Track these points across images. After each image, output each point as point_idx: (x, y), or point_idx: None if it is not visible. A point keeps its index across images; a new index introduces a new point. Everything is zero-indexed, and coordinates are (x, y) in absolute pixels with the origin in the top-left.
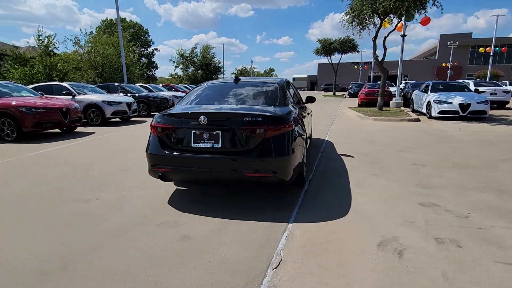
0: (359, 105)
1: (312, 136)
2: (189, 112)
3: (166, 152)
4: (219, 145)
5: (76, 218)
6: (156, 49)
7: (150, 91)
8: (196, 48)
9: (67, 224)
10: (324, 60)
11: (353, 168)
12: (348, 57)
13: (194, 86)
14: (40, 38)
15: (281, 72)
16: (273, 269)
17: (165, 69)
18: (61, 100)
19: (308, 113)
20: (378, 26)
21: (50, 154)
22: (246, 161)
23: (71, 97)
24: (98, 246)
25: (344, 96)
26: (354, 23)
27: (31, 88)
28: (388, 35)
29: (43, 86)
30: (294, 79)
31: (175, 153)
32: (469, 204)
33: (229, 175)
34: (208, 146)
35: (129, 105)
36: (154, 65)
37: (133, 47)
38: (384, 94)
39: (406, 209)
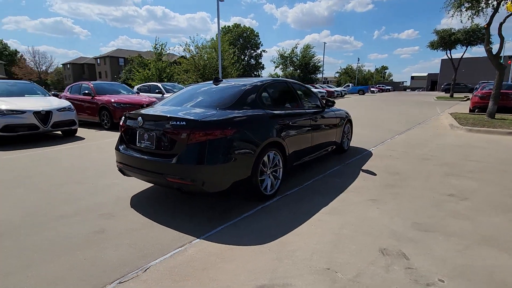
0: (470, 110)
1: (357, 146)
2: (133, 112)
3: (121, 148)
4: (153, 147)
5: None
6: (264, 51)
7: None
8: (296, 48)
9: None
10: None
11: (353, 190)
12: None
13: None
14: (156, 46)
15: (400, 70)
16: (119, 283)
17: (272, 70)
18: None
19: (330, 119)
20: (494, 8)
21: None
22: (170, 165)
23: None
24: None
25: (466, 99)
26: (463, 7)
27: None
28: (504, 21)
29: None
30: (412, 77)
31: (125, 150)
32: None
33: (157, 179)
34: (147, 146)
35: None
36: (261, 65)
37: (233, 49)
38: (499, 98)
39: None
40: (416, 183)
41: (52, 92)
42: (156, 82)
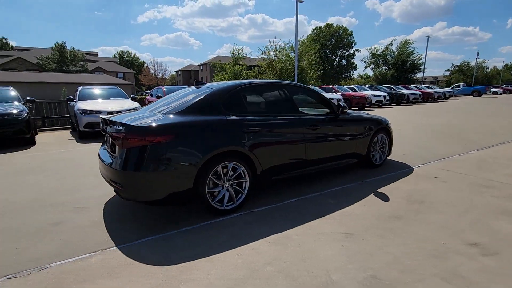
0: None
1: (401, 161)
2: (101, 116)
3: (101, 149)
4: (109, 149)
5: None
6: (357, 50)
7: None
8: (391, 44)
9: None
10: None
11: (337, 217)
12: None
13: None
14: (234, 51)
15: None
16: (8, 278)
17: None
18: None
19: (348, 128)
20: None
21: None
22: (109, 169)
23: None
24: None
25: None
26: None
27: None
28: None
29: None
30: None
31: (100, 152)
32: None
33: (108, 181)
34: (106, 149)
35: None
36: (353, 66)
37: (314, 50)
38: None
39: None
40: (436, 220)
41: (131, 96)
42: None
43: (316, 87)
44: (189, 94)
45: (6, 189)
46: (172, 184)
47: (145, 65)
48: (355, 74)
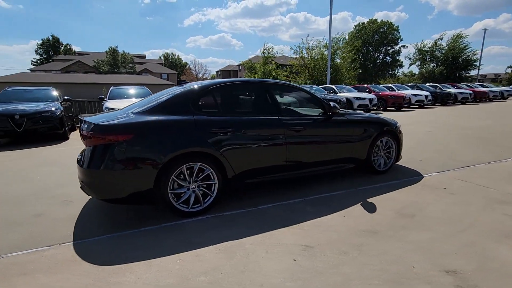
0: None
1: (412, 167)
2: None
3: None
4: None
5: None
6: (403, 46)
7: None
8: (441, 39)
9: None
10: None
11: (306, 227)
12: None
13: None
14: (264, 50)
15: None
16: None
17: (412, 67)
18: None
19: (342, 129)
20: None
21: None
22: (78, 166)
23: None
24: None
25: None
26: None
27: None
28: None
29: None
30: None
31: None
32: None
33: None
34: None
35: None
36: (399, 63)
37: (350, 48)
38: None
39: None
40: (419, 238)
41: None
42: None
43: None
44: (165, 94)
45: (16, 180)
46: (132, 184)
47: (187, 66)
48: (400, 72)
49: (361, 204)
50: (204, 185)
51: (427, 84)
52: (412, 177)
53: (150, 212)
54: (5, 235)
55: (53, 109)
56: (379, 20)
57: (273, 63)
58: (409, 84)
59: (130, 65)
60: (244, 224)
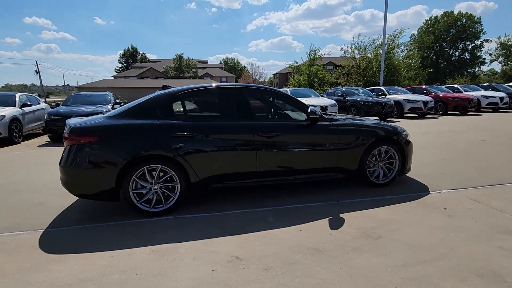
0: None
1: (421, 181)
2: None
3: None
4: None
5: None
6: (486, 41)
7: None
8: None
9: None
10: None
11: (252, 237)
12: None
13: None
14: (310, 52)
15: None
16: None
17: (494, 64)
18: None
19: (326, 136)
20: None
21: None
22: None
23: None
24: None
25: None
26: None
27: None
28: None
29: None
30: None
31: None
32: None
33: None
34: None
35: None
36: (480, 60)
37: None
38: None
39: None
40: (364, 264)
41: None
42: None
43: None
44: (142, 99)
45: (46, 172)
46: (97, 182)
47: (245, 69)
48: (483, 69)
49: (329, 219)
50: (167, 187)
51: (507, 84)
52: (415, 192)
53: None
54: (4, 218)
55: (104, 110)
56: (456, 13)
57: (320, 64)
58: (484, 84)
59: (193, 70)
60: (197, 228)
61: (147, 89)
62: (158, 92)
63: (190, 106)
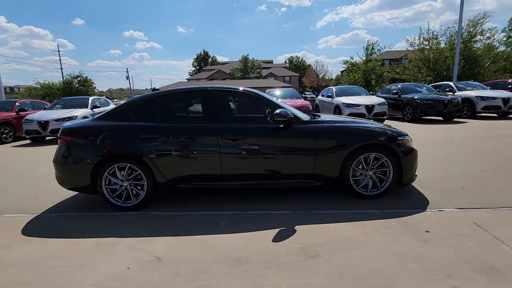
0: None
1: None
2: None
3: None
4: None
5: None
6: None
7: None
8: None
9: None
10: None
11: (184, 241)
12: None
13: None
14: (367, 46)
15: None
16: None
17: None
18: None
19: (300, 140)
20: None
21: None
22: None
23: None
24: None
25: None
26: None
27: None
28: None
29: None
30: None
31: None
32: None
33: None
34: None
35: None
36: None
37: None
38: None
39: None
40: (276, 283)
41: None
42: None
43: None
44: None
45: None
46: (78, 177)
47: (310, 67)
48: None
49: (280, 229)
50: (136, 185)
51: None
52: (408, 209)
53: None
54: (18, 201)
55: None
56: None
57: (378, 59)
58: None
59: (258, 70)
60: (152, 225)
61: None
62: (135, 96)
63: (160, 109)
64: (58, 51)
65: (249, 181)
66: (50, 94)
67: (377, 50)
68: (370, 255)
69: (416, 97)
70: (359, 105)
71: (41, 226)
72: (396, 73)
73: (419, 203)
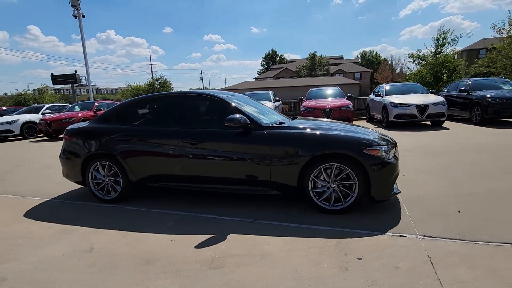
0: None
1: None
2: None
3: None
4: None
5: None
6: None
7: None
8: None
9: None
10: None
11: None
12: None
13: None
14: (438, 36)
15: None
16: None
17: None
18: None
19: (251, 146)
20: None
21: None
22: None
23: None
24: None
25: None
26: None
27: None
28: None
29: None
30: None
31: None
32: None
33: None
34: None
35: None
36: None
37: None
38: None
39: None
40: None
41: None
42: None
43: None
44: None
45: None
46: (74, 174)
47: (386, 61)
48: None
49: (213, 236)
50: (114, 180)
51: None
52: (369, 230)
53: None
54: (45, 186)
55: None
56: None
57: (453, 50)
58: None
59: (325, 67)
60: (117, 218)
61: (278, 88)
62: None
63: (134, 114)
64: (150, 57)
65: (208, 184)
66: (137, 95)
67: (451, 40)
68: (271, 275)
69: (488, 95)
70: (409, 105)
71: (44, 209)
72: (480, 66)
73: (385, 224)
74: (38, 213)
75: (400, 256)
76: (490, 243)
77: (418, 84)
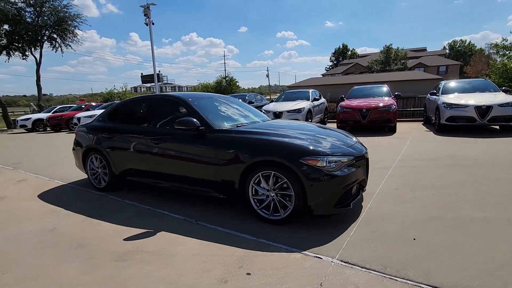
0: None
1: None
2: None
3: None
4: None
5: None
6: None
7: None
8: None
9: None
10: None
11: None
12: None
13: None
14: None
15: None
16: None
17: None
18: None
19: (201, 149)
20: None
21: None
22: None
23: None
24: None
25: None
26: None
27: None
28: None
29: None
30: None
31: None
32: None
33: None
34: None
35: None
36: None
37: None
38: None
39: None
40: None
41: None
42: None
43: None
44: None
45: None
46: (79, 163)
47: (483, 51)
48: None
49: (146, 230)
50: (104, 172)
51: None
52: (280, 243)
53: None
54: (69, 171)
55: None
56: None
57: None
58: None
59: (402, 61)
60: (97, 205)
61: (345, 85)
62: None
63: (120, 114)
64: (224, 56)
65: (168, 182)
66: (207, 92)
67: None
68: (154, 276)
69: None
70: (466, 106)
71: (56, 191)
72: None
73: (312, 242)
74: (50, 194)
75: (291, 278)
76: (408, 282)
77: (488, 81)
